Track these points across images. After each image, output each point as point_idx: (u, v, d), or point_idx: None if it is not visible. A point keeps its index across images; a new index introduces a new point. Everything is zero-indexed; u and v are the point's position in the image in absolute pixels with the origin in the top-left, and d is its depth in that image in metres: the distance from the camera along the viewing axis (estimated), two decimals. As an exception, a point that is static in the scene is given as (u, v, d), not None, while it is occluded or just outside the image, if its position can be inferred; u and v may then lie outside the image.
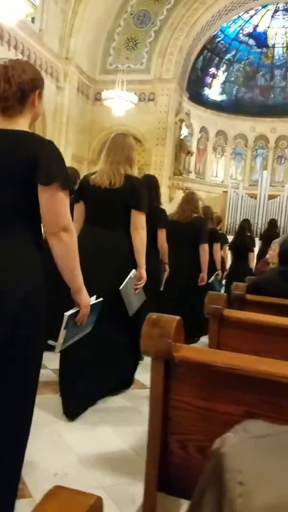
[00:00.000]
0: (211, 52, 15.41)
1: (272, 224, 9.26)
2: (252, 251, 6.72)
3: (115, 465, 2.21)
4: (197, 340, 4.73)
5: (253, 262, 6.71)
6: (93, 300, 1.90)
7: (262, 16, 15.36)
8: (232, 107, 15.98)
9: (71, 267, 1.66)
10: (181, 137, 14.23)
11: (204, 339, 4.47)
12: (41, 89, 1.67)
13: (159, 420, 1.23)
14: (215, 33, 14.86)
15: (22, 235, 1.54)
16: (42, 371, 1.73)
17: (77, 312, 1.78)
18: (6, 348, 1.45)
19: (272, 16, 15.38)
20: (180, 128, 14.23)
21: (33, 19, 10.89)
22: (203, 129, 15.72)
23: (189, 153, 14.43)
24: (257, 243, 7.54)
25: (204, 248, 4.43)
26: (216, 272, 5.24)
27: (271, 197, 14.71)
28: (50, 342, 2.82)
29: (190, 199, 4.55)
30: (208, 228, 4.81)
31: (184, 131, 14.44)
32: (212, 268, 4.92)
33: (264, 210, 14.69)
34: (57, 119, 12.58)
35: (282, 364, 1.10)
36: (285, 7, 15.06)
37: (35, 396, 1.64)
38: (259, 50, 15.87)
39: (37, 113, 1.69)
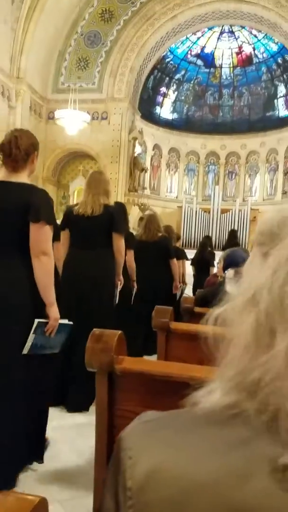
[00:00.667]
0: (161, 72, 15.86)
1: (232, 235, 9.56)
2: (213, 265, 7.21)
3: (71, 480, 2.26)
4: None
5: None
6: (64, 320, 2.27)
7: (209, 38, 15.98)
8: (183, 125, 16.44)
9: (47, 283, 2.17)
10: (135, 155, 14.49)
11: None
12: (37, 151, 2.31)
13: (105, 430, 1.31)
14: (164, 53, 15.32)
15: (23, 261, 2.14)
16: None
17: (47, 323, 2.18)
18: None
19: (218, 38, 16.03)
20: (134, 146, 14.50)
21: (-18, 39, 10.89)
22: (156, 147, 16.07)
23: (143, 170, 14.69)
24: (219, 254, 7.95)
25: (174, 262, 5.10)
26: (181, 285, 5.74)
27: (223, 211, 15.16)
28: None
29: (153, 219, 5.10)
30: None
31: (138, 149, 14.72)
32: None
33: (217, 224, 15.11)
34: (10, 138, 12.54)
35: (210, 369, 1.21)
36: (230, 30, 15.76)
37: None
38: (207, 70, 16.46)
39: (34, 167, 2.32)
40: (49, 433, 2.82)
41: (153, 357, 3.88)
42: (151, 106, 15.85)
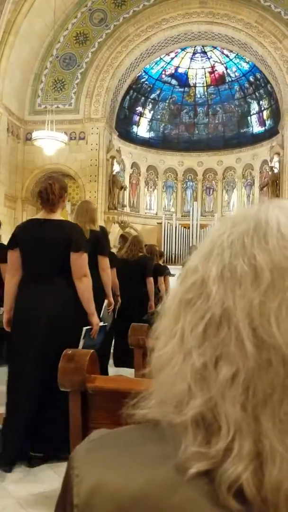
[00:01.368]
0: (137, 92, 16.12)
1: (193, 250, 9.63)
2: None
3: (54, 504, 2.24)
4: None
5: None
6: (100, 324, 2.96)
7: (182, 58, 16.35)
8: (160, 143, 16.68)
9: (89, 298, 2.81)
10: (114, 173, 14.61)
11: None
12: (66, 192, 2.87)
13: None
14: (139, 74, 15.60)
15: (64, 282, 2.71)
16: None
17: (90, 329, 2.83)
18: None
19: (191, 58, 16.42)
20: (112, 164, 14.63)
21: None
22: (134, 165, 16.24)
23: (122, 188, 14.81)
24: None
25: (150, 281, 5.34)
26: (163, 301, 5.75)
27: (202, 226, 15.32)
28: None
29: (136, 241, 5.48)
30: (154, 263, 5.77)
31: (116, 167, 14.86)
32: (159, 298, 5.32)
33: (197, 239, 15.25)
34: (-13, 160, 12.55)
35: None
36: (203, 50, 16.16)
37: None
38: (181, 89, 16.80)
39: (64, 204, 2.89)
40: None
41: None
42: (128, 125, 16.06)
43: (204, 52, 16.20)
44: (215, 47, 15.73)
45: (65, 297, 2.71)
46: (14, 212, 14.05)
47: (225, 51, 15.70)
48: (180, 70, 16.59)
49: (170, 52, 15.71)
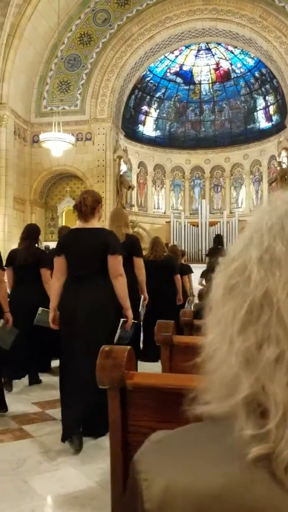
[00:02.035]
0: (142, 91, 16.08)
1: (216, 240, 9.53)
2: None
3: (82, 503, 2.22)
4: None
5: None
6: (133, 320, 3.31)
7: (187, 56, 16.30)
8: (167, 141, 16.63)
9: (125, 295, 3.17)
10: (121, 173, 14.59)
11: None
12: (101, 203, 3.26)
13: (119, 448, 1.30)
14: (144, 73, 15.56)
15: (102, 282, 3.07)
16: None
17: (125, 321, 3.20)
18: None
19: (196, 56, 16.35)
20: (119, 164, 14.61)
21: None
22: (141, 164, 16.21)
23: (130, 187, 14.78)
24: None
25: (178, 278, 5.88)
26: (188, 298, 6.52)
27: (212, 223, 15.26)
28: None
29: (158, 242, 5.94)
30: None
31: (123, 167, 14.84)
32: (184, 296, 6.34)
33: (206, 237, 15.19)
34: (-5, 163, 12.58)
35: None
36: (207, 47, 16.10)
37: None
38: (186, 87, 16.74)
39: (101, 215, 3.28)
40: (54, 456, 2.79)
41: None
42: (134, 124, 16.03)
43: (209, 49, 16.13)
44: (219, 44, 15.65)
45: (104, 295, 3.06)
46: (23, 215, 14.08)
47: (230, 47, 15.62)
48: (185, 68, 16.53)
49: (174, 50, 15.66)
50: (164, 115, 16.72)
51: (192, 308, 6.50)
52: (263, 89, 15.73)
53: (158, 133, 16.70)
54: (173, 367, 2.07)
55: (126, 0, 13.91)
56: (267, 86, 15.53)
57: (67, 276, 3.11)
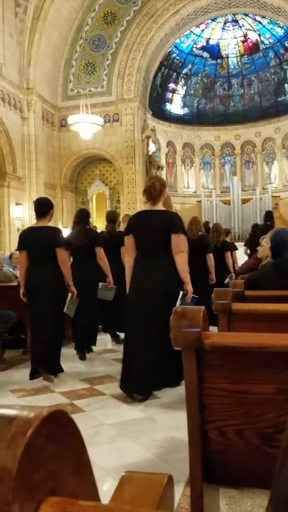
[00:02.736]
0: (168, 68, 15.79)
1: (267, 216, 8.90)
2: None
3: (143, 474, 2.21)
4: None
5: None
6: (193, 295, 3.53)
7: (213, 29, 15.86)
8: (195, 119, 16.34)
9: (185, 269, 3.47)
10: (150, 153, 14.44)
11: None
12: (165, 188, 3.56)
13: (196, 410, 1.26)
14: (170, 49, 15.26)
15: (168, 258, 3.41)
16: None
17: (185, 294, 3.45)
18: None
19: (223, 28, 15.90)
20: (148, 145, 14.46)
21: (-9, 54, 11.00)
22: (170, 143, 16.01)
23: (159, 167, 14.64)
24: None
25: (210, 257, 5.89)
26: (230, 274, 6.47)
27: (244, 201, 15.00)
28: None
29: (195, 222, 6.05)
30: (221, 240, 6.64)
31: (152, 147, 14.68)
32: (226, 271, 6.50)
33: (239, 215, 14.95)
34: (26, 149, 12.64)
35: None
36: (234, 19, 15.61)
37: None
38: (214, 61, 16.34)
39: (165, 197, 3.63)
40: (109, 430, 2.80)
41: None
42: (161, 103, 15.80)
43: (236, 21, 15.65)
44: (246, 15, 15.16)
45: (168, 269, 3.42)
46: (54, 199, 14.12)
47: (258, 18, 15.11)
48: (211, 42, 16.12)
49: (200, 24, 15.27)
50: (192, 91, 16.40)
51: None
52: (293, 59, 15.20)
53: (186, 110, 16.42)
54: (232, 335, 2.02)
55: (149, -25, 13.59)
56: (298, 55, 15.00)
57: (137, 252, 3.50)
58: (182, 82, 16.23)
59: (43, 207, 4.07)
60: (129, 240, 3.53)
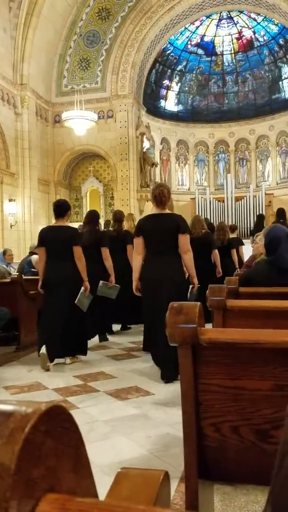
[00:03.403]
0: (163, 65, 15.75)
1: (280, 213, 8.86)
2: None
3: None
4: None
5: None
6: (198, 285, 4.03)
7: (208, 26, 15.83)
8: (189, 116, 16.33)
9: (192, 266, 3.90)
10: (144, 150, 14.41)
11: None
12: (170, 193, 3.99)
13: (191, 406, 1.26)
14: (164, 46, 15.21)
15: (175, 255, 3.85)
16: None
17: (193, 286, 3.95)
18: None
19: (217, 25, 15.87)
20: (142, 141, 14.42)
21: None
22: (164, 140, 15.99)
23: (153, 164, 14.61)
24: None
25: (216, 253, 6.30)
26: (236, 269, 6.64)
27: (238, 198, 15.02)
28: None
29: (197, 220, 6.40)
30: (227, 237, 7.14)
31: (146, 144, 14.64)
32: (233, 268, 6.68)
33: (232, 212, 14.98)
34: (19, 145, 12.56)
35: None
36: (228, 15, 15.59)
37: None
38: (208, 58, 16.32)
39: (171, 202, 4.17)
40: (103, 426, 2.79)
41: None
42: (155, 100, 15.76)
43: (230, 18, 15.63)
44: (241, 12, 15.14)
45: (176, 266, 3.85)
46: (48, 196, 14.11)
47: (252, 15, 15.10)
48: (206, 39, 16.09)
49: (195, 21, 15.22)
50: (186, 88, 16.37)
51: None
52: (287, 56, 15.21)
53: (180, 107, 16.40)
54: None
55: (144, -29, 13.52)
56: (293, 53, 15.00)
57: (147, 252, 3.90)
58: (176, 79, 16.20)
59: (61, 208, 4.50)
60: (139, 241, 3.92)
